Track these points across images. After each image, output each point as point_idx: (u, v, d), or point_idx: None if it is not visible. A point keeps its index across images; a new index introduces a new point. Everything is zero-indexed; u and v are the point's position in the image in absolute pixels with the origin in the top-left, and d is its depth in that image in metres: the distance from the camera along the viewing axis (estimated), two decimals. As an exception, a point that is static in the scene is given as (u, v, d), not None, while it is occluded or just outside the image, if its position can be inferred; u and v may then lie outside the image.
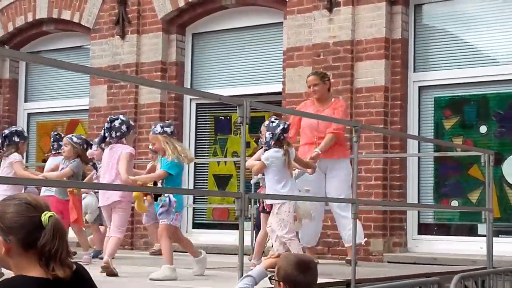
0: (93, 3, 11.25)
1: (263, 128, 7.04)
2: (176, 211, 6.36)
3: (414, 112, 9.19)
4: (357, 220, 7.52)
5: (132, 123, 7.58)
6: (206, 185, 10.78)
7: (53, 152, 8.49)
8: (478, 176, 8.84)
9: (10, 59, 12.40)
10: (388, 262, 8.61)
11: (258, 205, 7.92)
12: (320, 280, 3.75)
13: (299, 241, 7.00)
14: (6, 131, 7.62)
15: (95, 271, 5.40)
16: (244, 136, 5.20)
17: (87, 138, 8.33)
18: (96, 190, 7.92)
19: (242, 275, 4.38)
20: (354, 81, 9.14)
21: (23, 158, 8.10)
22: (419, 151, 9.24)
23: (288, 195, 6.52)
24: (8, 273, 2.55)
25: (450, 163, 9.15)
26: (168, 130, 6.48)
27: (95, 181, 8.10)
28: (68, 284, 2.47)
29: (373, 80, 9.04)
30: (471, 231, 8.94)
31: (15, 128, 7.78)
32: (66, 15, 11.55)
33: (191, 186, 10.63)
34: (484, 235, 7.78)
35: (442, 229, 9.19)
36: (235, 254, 6.18)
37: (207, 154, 10.86)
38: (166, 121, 7.43)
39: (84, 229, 7.94)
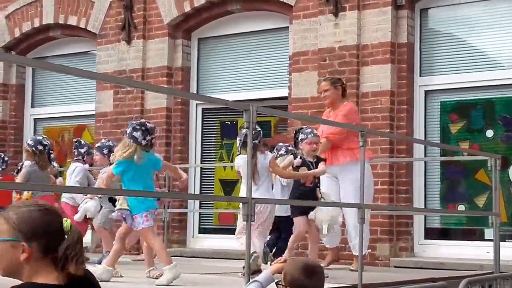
0: (99, 8, 11.28)
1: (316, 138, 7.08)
2: (144, 212, 6.27)
3: (420, 117, 9.18)
4: (364, 227, 7.55)
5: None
6: (212, 190, 10.78)
7: (74, 159, 8.65)
8: (485, 181, 8.82)
9: (17, 64, 12.44)
10: (395, 266, 8.59)
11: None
12: (326, 285, 3.74)
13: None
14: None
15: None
16: (251, 140, 5.20)
17: (92, 143, 8.42)
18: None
19: (249, 280, 4.38)
20: (360, 85, 9.14)
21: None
22: (425, 156, 9.23)
23: (290, 200, 6.56)
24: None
25: (456, 168, 9.13)
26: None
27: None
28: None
29: (379, 85, 9.04)
30: (478, 236, 8.92)
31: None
32: (72, 21, 11.58)
33: (197, 191, 10.63)
34: (491, 240, 7.75)
35: (449, 233, 9.17)
36: (242, 259, 6.20)
37: (213, 159, 10.86)
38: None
39: None
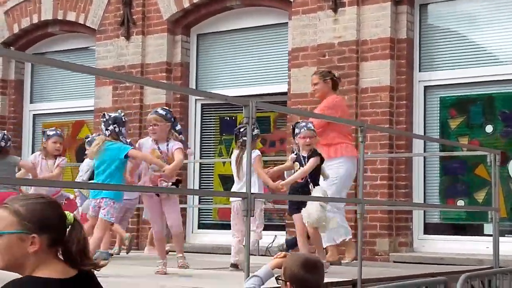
0: (98, 4, 11.27)
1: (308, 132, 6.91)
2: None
3: (419, 112, 9.18)
4: (343, 217, 7.56)
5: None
6: (212, 185, 10.79)
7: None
8: (484, 176, 8.83)
9: (16, 60, 12.43)
10: (394, 262, 8.60)
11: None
12: (326, 280, 3.75)
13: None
14: None
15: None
16: (250, 136, 5.21)
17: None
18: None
19: (249, 275, 4.38)
20: (359, 81, 9.14)
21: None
22: (424, 151, 9.23)
23: (290, 195, 6.56)
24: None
25: (456, 163, 9.14)
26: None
27: None
28: (77, 284, 2.48)
29: (379, 80, 9.04)
30: (478, 231, 8.93)
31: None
32: (71, 17, 11.57)
33: (196, 187, 10.64)
34: (491, 235, 7.76)
35: (448, 228, 9.18)
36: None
37: (213, 155, 10.87)
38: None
39: None
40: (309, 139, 6.73)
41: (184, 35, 10.83)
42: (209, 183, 10.81)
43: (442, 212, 9.20)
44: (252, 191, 5.06)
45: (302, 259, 3.66)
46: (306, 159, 6.71)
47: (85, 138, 8.90)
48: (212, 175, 10.81)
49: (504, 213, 8.61)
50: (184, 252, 7.08)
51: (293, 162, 6.85)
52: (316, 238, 6.76)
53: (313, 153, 6.72)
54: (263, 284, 3.95)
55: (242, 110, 5.08)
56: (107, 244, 8.27)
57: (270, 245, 9.22)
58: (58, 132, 8.31)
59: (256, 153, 6.91)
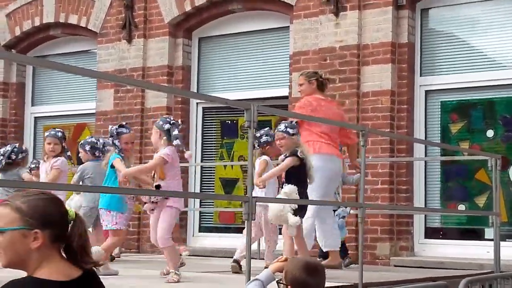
0: (100, 7, 11.28)
1: (278, 134, 6.91)
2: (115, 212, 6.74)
3: (420, 116, 9.19)
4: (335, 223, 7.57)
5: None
6: (213, 189, 10.79)
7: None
8: (485, 180, 8.83)
9: (17, 63, 12.44)
10: (395, 266, 8.60)
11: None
12: (327, 284, 3.75)
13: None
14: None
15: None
16: (252, 140, 5.21)
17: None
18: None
19: (250, 279, 4.38)
20: (360, 85, 9.15)
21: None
22: (425, 155, 9.24)
23: (291, 199, 6.55)
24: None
25: (456, 167, 9.14)
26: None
27: None
28: (79, 285, 2.49)
29: (380, 84, 9.05)
30: (478, 235, 8.93)
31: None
32: (73, 20, 11.59)
33: (197, 190, 10.64)
34: (491, 239, 7.76)
35: (449, 233, 9.17)
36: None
37: (214, 158, 10.87)
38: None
39: None
40: (279, 141, 6.78)
41: (185, 39, 10.85)
42: (210, 186, 10.81)
43: (443, 216, 9.20)
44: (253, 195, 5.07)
45: (303, 262, 3.66)
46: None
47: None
48: (213, 178, 10.81)
49: (505, 218, 8.61)
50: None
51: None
52: (301, 244, 6.76)
53: (291, 153, 6.70)
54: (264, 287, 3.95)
55: (243, 113, 5.08)
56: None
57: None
58: (51, 132, 7.94)
59: (263, 158, 7.15)
